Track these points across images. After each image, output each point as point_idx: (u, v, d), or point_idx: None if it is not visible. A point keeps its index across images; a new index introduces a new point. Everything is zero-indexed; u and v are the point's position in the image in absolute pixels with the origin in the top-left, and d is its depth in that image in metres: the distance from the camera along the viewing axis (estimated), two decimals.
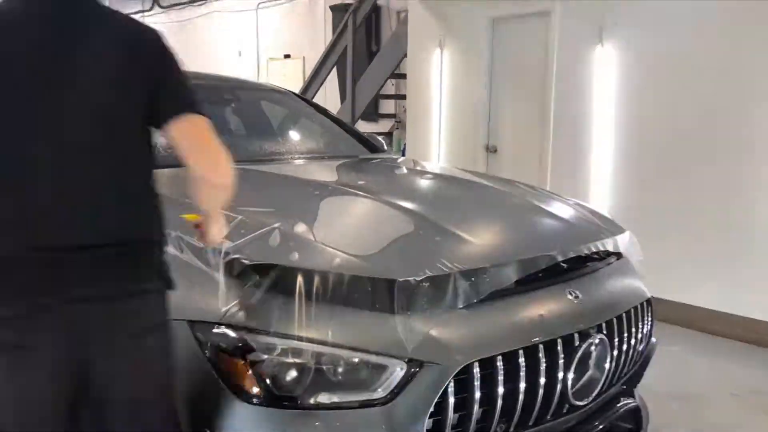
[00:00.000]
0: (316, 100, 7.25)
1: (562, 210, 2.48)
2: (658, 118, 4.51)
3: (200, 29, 11.15)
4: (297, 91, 6.51)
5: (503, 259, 1.84)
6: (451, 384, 1.61)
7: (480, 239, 1.98)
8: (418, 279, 1.66)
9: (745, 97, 4.07)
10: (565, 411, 1.88)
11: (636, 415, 2.25)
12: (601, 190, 4.84)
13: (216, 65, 10.47)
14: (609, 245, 2.21)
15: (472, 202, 2.50)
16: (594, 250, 2.13)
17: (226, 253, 1.70)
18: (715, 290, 4.28)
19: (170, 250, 1.84)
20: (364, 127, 7.95)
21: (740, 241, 4.15)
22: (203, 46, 11.07)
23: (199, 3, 11.01)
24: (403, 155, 6.66)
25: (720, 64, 4.17)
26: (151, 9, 12.07)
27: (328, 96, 8.45)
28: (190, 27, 11.36)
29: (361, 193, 2.30)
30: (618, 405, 2.15)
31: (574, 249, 2.04)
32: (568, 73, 4.99)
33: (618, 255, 2.28)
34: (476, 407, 1.65)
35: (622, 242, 2.29)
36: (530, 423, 1.79)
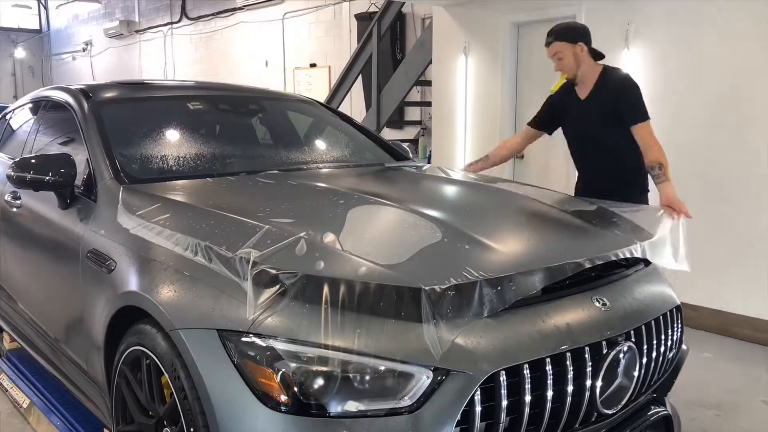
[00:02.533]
0: (341, 108, 7.30)
1: (589, 216, 2.46)
2: (686, 123, 4.45)
3: (227, 40, 11.30)
4: (323, 99, 6.55)
5: (529, 267, 1.83)
6: (478, 392, 1.61)
7: (506, 247, 1.98)
8: (444, 287, 1.66)
9: None
10: (593, 419, 1.86)
11: (667, 424, 2.22)
12: None
13: (243, 75, 10.61)
14: (637, 252, 2.18)
15: (498, 209, 2.49)
16: (622, 256, 2.10)
17: (254, 263, 1.73)
18: (746, 296, 4.20)
19: (198, 259, 1.88)
20: (389, 135, 7.97)
21: None
22: (230, 56, 11.22)
23: (227, 14, 11.16)
24: (429, 162, 6.66)
25: (748, 67, 4.10)
26: (179, 21, 12.27)
27: (354, 104, 8.49)
28: (218, 38, 11.51)
29: (386, 201, 2.30)
30: (649, 413, 2.12)
31: (601, 256, 2.03)
32: None
33: (646, 261, 2.25)
34: (503, 416, 1.64)
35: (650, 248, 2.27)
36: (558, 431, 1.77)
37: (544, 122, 3.50)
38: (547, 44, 3.34)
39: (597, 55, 3.30)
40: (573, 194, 3.37)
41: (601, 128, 3.21)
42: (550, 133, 3.53)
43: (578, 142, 3.38)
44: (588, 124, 3.25)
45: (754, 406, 3.33)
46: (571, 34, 3.29)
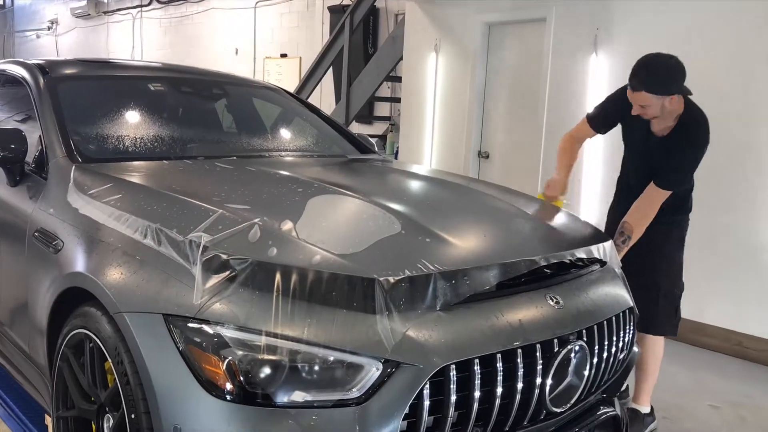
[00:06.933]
0: (311, 100, 7.24)
1: (547, 216, 2.47)
2: None
3: (198, 26, 11.12)
4: (292, 90, 6.49)
5: (484, 262, 1.82)
6: (427, 386, 1.59)
7: (462, 241, 1.97)
8: (398, 278, 1.64)
9: (746, 106, 4.05)
10: (542, 417, 1.86)
11: (616, 424, 2.23)
12: (590, 200, 4.84)
13: (212, 62, 10.45)
14: (592, 252, 2.19)
15: (457, 204, 2.48)
16: (577, 256, 2.11)
17: (205, 247, 1.68)
18: (698, 302, 4.28)
19: (148, 242, 1.83)
20: (358, 129, 7.93)
21: (724, 254, 4.15)
22: (200, 42, 11.05)
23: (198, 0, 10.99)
24: (396, 158, 6.65)
25: (717, 74, 4.17)
26: (149, 4, 12.03)
27: (324, 97, 8.43)
28: (188, 23, 11.32)
29: (345, 191, 2.28)
30: (598, 413, 2.13)
31: (556, 254, 2.03)
32: (562, 82, 4.99)
33: (602, 263, 2.27)
34: (452, 410, 1.63)
35: (606, 250, 2.28)
36: (506, 428, 1.77)
37: (606, 124, 3.11)
38: (632, 88, 2.79)
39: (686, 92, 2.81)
40: (607, 217, 3.15)
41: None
42: (603, 133, 3.20)
43: (635, 168, 3.03)
44: (653, 159, 2.87)
45: (700, 409, 3.39)
46: (666, 85, 2.72)
